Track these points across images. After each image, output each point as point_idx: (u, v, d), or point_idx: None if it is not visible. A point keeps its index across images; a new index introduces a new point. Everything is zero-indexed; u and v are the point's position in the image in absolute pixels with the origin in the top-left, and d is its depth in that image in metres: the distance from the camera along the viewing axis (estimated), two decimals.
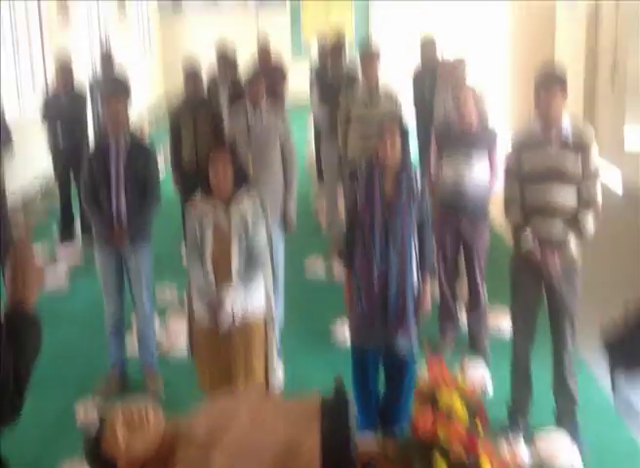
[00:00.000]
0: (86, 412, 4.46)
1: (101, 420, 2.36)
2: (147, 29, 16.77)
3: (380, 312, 3.92)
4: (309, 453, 2.17)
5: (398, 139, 3.88)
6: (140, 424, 2.25)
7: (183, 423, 2.32)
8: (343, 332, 5.25)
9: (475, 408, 2.44)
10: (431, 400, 2.41)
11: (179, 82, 7.07)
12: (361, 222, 3.92)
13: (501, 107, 11.36)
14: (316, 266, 6.75)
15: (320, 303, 6.03)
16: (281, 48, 10.77)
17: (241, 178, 3.87)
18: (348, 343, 5.01)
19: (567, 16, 10.58)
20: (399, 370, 4.03)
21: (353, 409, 2.32)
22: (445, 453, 2.33)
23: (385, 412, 4.10)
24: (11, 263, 1.84)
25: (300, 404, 2.24)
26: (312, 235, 7.65)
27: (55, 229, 7.91)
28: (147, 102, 14.60)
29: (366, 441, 2.60)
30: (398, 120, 4.09)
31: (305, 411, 2.23)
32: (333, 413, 2.26)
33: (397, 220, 3.86)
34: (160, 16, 17.28)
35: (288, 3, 16.94)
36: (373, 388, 4.08)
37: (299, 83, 10.07)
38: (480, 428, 2.43)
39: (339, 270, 5.31)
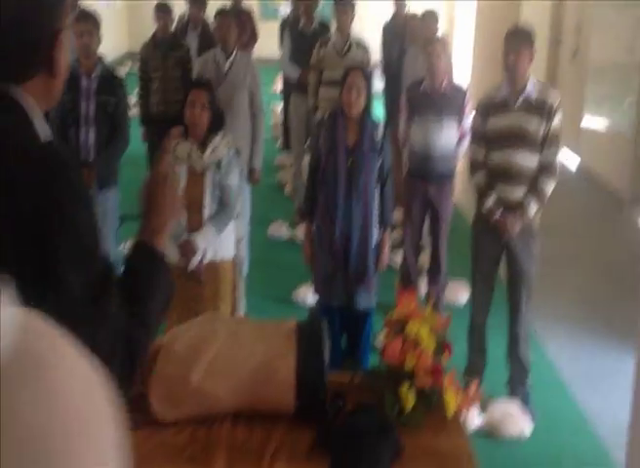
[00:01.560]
0: None
1: None
2: None
3: (341, 269, 3.99)
4: (285, 373, 2.24)
5: (362, 87, 3.92)
6: None
7: (164, 340, 2.37)
8: (305, 293, 5.27)
9: (442, 342, 2.52)
10: (400, 330, 2.49)
11: (142, 35, 6.95)
12: (323, 172, 3.96)
13: (467, 75, 11.44)
14: (280, 232, 6.70)
15: (283, 263, 6.05)
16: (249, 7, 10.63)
17: (217, 122, 3.87)
18: (308, 303, 5.14)
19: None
20: (359, 324, 4.12)
21: (327, 336, 2.39)
22: (412, 381, 2.41)
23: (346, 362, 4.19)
24: (146, 192, 1.61)
25: (276, 326, 2.30)
26: (277, 203, 7.59)
27: None
28: (112, 48, 14.33)
29: (337, 373, 2.68)
30: (362, 67, 4.14)
31: (281, 334, 2.29)
32: (308, 337, 2.33)
33: (360, 170, 3.90)
34: None
35: None
36: (337, 341, 4.15)
37: (266, 46, 10.02)
38: (445, 361, 2.52)
39: (302, 235, 5.35)
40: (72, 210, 1.34)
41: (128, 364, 1.37)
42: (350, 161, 3.91)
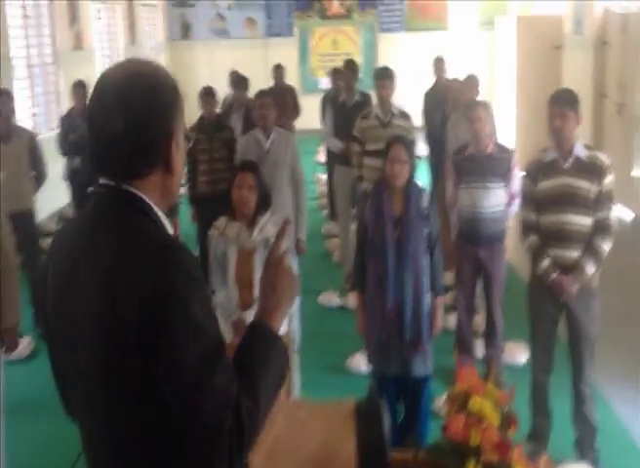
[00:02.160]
0: None
1: None
2: (157, 56, 16.97)
3: (396, 337, 3.94)
4: (346, 455, 2.19)
5: (405, 158, 3.94)
6: None
7: None
8: (358, 361, 5.23)
9: (507, 415, 2.45)
10: (463, 406, 2.43)
11: (188, 116, 7.14)
12: (372, 243, 3.96)
13: (512, 140, 11.45)
14: (331, 301, 6.67)
15: (335, 332, 6.00)
16: (290, 82, 10.90)
17: (264, 202, 3.93)
18: (362, 371, 5.08)
19: (574, 44, 10.75)
20: (416, 392, 4.05)
21: (386, 415, 2.34)
22: (478, 457, 2.34)
23: (406, 435, 4.10)
24: (265, 275, 1.66)
25: (334, 406, 2.27)
26: (325, 272, 7.59)
27: None
28: None
29: (398, 449, 2.61)
30: (403, 137, 4.18)
31: (340, 414, 2.25)
32: (367, 416, 2.28)
33: (409, 239, 3.90)
34: (169, 43, 17.52)
35: (296, 38, 17.15)
36: (393, 412, 4.08)
37: (308, 119, 10.22)
38: (512, 435, 2.45)
39: (353, 303, 5.34)
40: (186, 293, 1.43)
41: (237, 434, 1.41)
42: (398, 230, 3.91)
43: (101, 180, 1.53)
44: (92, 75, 11.84)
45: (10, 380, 3.93)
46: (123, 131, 1.47)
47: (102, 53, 13.29)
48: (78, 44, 11.56)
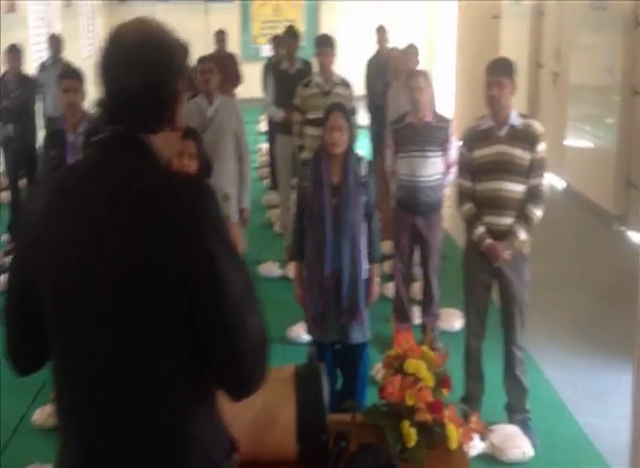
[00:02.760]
0: (43, 417, 4.36)
1: None
2: (93, 19, 16.57)
3: (333, 304, 4.00)
4: (285, 419, 2.24)
5: (344, 126, 3.97)
6: None
7: None
8: (299, 330, 5.28)
9: (441, 377, 2.53)
10: (399, 368, 2.50)
11: None
12: (310, 211, 4.00)
13: (451, 109, 11.58)
14: (272, 272, 6.67)
15: (275, 302, 6.02)
16: (232, 50, 10.78)
17: (205, 170, 3.90)
18: (303, 341, 5.14)
19: (511, 14, 10.90)
20: (354, 358, 4.12)
21: (325, 379, 2.40)
22: (412, 417, 2.42)
23: (343, 401, 4.17)
24: None
25: (274, 372, 2.29)
26: (266, 242, 7.58)
27: (3, 237, 7.64)
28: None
29: (335, 415, 2.68)
30: (342, 104, 4.20)
31: (280, 380, 2.29)
32: (306, 380, 2.33)
33: (346, 207, 3.94)
34: (105, 6, 17.10)
35: (237, 4, 16.93)
36: (332, 379, 4.15)
37: (250, 87, 10.13)
38: (445, 396, 2.53)
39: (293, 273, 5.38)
40: (219, 222, 1.59)
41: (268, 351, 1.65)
42: (337, 198, 3.95)
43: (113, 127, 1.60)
44: (25, 38, 11.52)
45: None
46: (141, 88, 1.56)
47: (37, 15, 12.90)
48: (11, 7, 11.20)
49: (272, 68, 7.63)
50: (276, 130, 7.42)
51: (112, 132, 1.60)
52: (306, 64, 7.21)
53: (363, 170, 4.03)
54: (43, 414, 4.39)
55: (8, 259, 7.09)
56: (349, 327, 4.02)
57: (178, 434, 1.59)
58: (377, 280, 4.19)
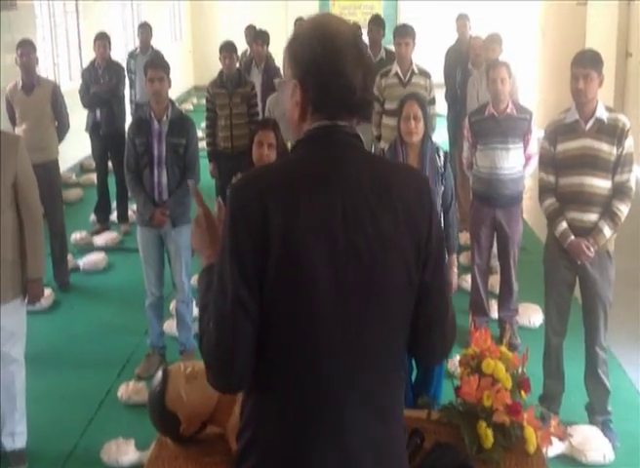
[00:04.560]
0: (128, 393, 4.51)
1: (164, 374, 2.43)
2: (178, 13, 16.87)
3: None
4: None
5: (419, 115, 3.94)
6: (200, 376, 2.33)
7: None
8: None
9: (519, 378, 2.50)
10: (476, 368, 2.47)
11: (207, 69, 7.12)
12: None
13: (532, 99, 11.32)
14: None
15: None
16: None
17: None
18: None
19: (599, 5, 10.55)
20: None
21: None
22: (489, 418, 2.39)
23: (419, 395, 4.15)
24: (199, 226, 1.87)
25: None
26: None
27: (91, 218, 7.96)
28: (179, 83, 14.74)
29: (410, 410, 2.66)
30: (417, 94, 4.17)
31: None
32: None
33: None
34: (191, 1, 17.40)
35: None
36: (407, 371, 4.13)
37: None
38: (524, 398, 2.50)
39: None
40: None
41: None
42: None
43: (339, 122, 1.66)
44: (113, 25, 11.80)
45: (30, 331, 4.03)
46: (362, 84, 1.64)
47: (122, 2, 13.21)
48: None
49: None
50: None
51: (346, 129, 1.67)
52: (390, 54, 7.15)
53: (441, 159, 3.99)
54: (128, 390, 4.53)
55: (94, 239, 7.36)
56: None
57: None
58: (454, 270, 4.13)
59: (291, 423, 1.61)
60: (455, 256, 4.19)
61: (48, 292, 5.83)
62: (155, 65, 4.69)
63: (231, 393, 1.98)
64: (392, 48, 6.80)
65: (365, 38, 7.40)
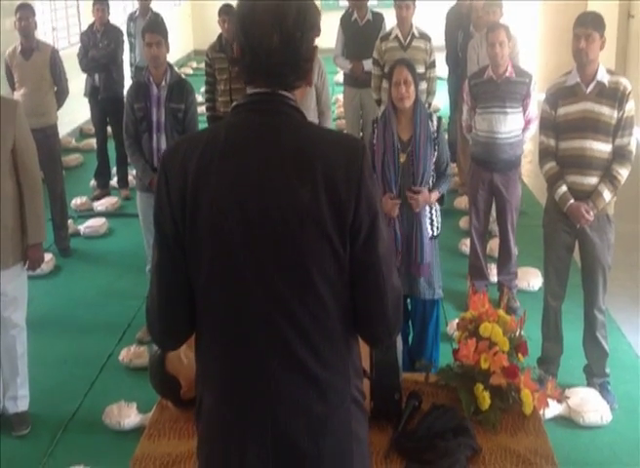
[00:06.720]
0: (129, 357, 4.55)
1: None
2: None
3: (405, 259, 3.97)
4: None
5: (409, 80, 3.90)
6: None
7: None
8: None
9: (516, 341, 2.52)
10: (474, 332, 2.49)
11: (207, 33, 7.01)
12: (382, 166, 3.93)
13: (534, 62, 11.22)
14: None
15: None
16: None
17: None
18: None
19: None
20: (424, 315, 4.10)
21: (400, 340, 2.41)
22: (487, 381, 2.42)
23: (416, 356, 4.19)
24: None
25: None
26: None
27: (91, 183, 7.94)
28: (178, 47, 14.58)
29: (408, 373, 2.69)
30: (406, 60, 4.13)
31: None
32: None
33: (417, 162, 3.88)
34: None
35: None
36: (404, 332, 4.16)
37: (329, 38, 9.98)
38: (521, 361, 2.52)
39: None
40: (372, 178, 1.65)
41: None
42: (406, 154, 3.91)
43: (255, 90, 1.65)
44: None
45: (31, 296, 4.05)
46: (279, 46, 1.59)
47: None
48: None
49: (344, 19, 7.51)
50: (344, 81, 7.34)
51: (265, 93, 1.64)
52: (377, 16, 7.05)
53: (434, 124, 3.96)
54: (129, 354, 4.57)
55: (95, 204, 7.36)
56: (417, 281, 4.00)
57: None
58: (434, 196, 3.99)
59: (218, 382, 1.71)
60: (436, 193, 3.99)
61: (49, 257, 5.86)
62: (152, 29, 4.65)
63: (171, 349, 2.02)
64: (379, 10, 6.72)
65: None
